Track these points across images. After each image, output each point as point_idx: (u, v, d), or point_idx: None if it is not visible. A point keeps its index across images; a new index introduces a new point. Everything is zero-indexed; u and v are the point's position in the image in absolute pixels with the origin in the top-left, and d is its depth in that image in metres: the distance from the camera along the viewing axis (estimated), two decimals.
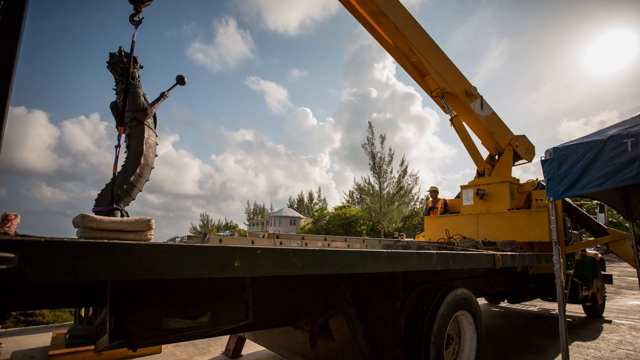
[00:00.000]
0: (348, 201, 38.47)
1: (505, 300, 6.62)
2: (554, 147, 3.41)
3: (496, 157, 6.51)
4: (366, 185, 29.84)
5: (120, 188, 4.03)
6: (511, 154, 6.32)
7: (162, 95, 4.53)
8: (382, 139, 29.01)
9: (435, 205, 7.09)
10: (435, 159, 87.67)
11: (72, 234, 1.99)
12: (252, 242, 3.15)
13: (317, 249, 1.80)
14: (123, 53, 4.33)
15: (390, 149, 28.90)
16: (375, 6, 5.25)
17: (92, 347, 3.81)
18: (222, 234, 28.91)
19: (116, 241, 1.30)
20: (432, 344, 2.63)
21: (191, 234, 3.20)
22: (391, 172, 28.78)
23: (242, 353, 4.17)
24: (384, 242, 4.47)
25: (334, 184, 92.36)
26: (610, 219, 11.20)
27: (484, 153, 6.54)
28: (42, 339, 4.67)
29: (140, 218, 2.03)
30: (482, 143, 6.57)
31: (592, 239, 6.14)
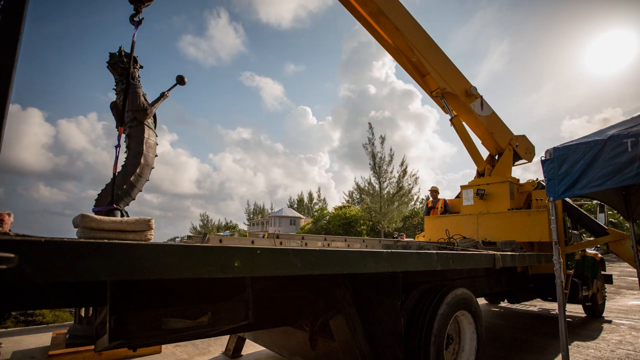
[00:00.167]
0: (348, 201, 38.48)
1: (505, 300, 6.61)
2: (554, 147, 3.41)
3: (496, 157, 6.51)
4: (366, 185, 29.87)
5: (120, 188, 4.03)
6: (511, 154, 6.32)
7: (162, 95, 4.53)
8: (383, 139, 29.07)
9: (435, 205, 7.09)
10: (435, 158, 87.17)
11: (71, 234, 1.99)
12: (252, 242, 3.15)
13: (317, 249, 1.80)
14: (123, 53, 4.33)
15: (390, 149, 28.95)
16: (375, 6, 5.25)
17: (92, 347, 3.81)
18: (222, 234, 28.91)
19: (116, 241, 1.30)
20: (432, 344, 2.63)
21: (191, 234, 3.20)
22: (391, 172, 28.82)
23: (242, 353, 4.17)
24: (384, 242, 4.47)
25: (334, 183, 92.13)
26: (610, 219, 11.20)
27: (484, 153, 6.54)
28: (42, 339, 4.67)
29: (140, 218, 2.03)
30: (482, 143, 6.57)
31: (592, 239, 6.14)
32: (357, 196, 32.81)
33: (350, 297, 2.60)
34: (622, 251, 5.41)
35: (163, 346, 4.29)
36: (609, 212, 9.15)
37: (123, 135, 3.99)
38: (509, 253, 3.84)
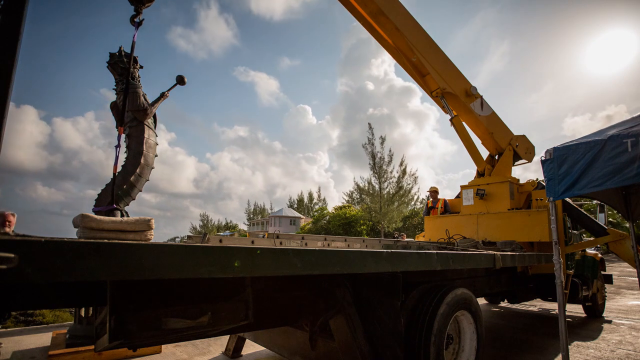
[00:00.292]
0: (348, 201, 38.48)
1: (505, 300, 6.61)
2: (554, 147, 3.41)
3: (496, 157, 6.50)
4: (366, 185, 29.88)
5: (120, 188, 4.03)
6: (511, 154, 6.32)
7: (162, 95, 4.53)
8: (383, 139, 29.07)
9: (435, 205, 7.09)
10: (435, 156, 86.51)
11: (70, 234, 1.99)
12: (252, 242, 3.15)
13: (317, 249, 1.80)
14: (123, 53, 4.33)
15: (390, 150, 28.96)
16: (375, 6, 5.25)
17: (92, 347, 3.81)
18: (222, 234, 28.91)
19: (116, 241, 1.30)
20: (432, 344, 2.63)
21: (191, 234, 3.20)
22: (391, 172, 28.82)
23: (242, 353, 4.17)
24: (384, 242, 4.47)
25: (333, 182, 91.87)
26: (610, 219, 11.20)
27: (484, 153, 6.54)
28: (42, 339, 4.67)
29: (140, 218, 2.03)
30: (482, 143, 6.57)
31: (592, 239, 6.14)
32: (357, 196, 32.82)
33: (350, 297, 2.60)
34: (622, 251, 5.41)
35: (163, 346, 4.29)
36: (609, 212, 9.15)
37: (123, 135, 3.99)
38: (509, 253, 3.84)
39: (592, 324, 6.16)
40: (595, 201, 6.85)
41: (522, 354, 4.44)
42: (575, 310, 7.16)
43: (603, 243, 5.78)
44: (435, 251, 2.71)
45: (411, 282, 2.91)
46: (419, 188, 30.36)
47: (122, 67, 4.27)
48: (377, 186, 28.95)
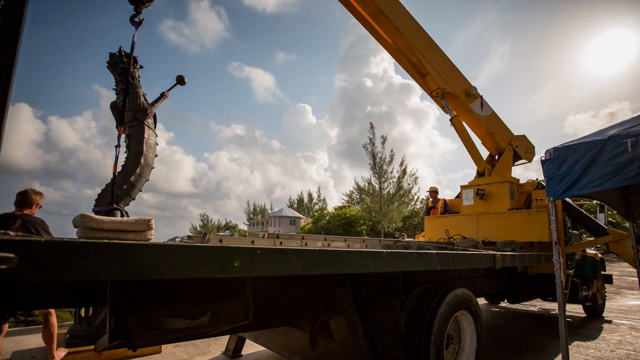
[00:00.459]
0: (348, 201, 38.47)
1: (505, 300, 6.61)
2: (554, 147, 3.41)
3: (496, 157, 6.50)
4: (366, 185, 29.88)
5: (120, 188, 4.03)
6: (511, 154, 6.32)
7: (162, 95, 4.53)
8: (384, 139, 29.07)
9: (435, 205, 7.09)
10: (435, 155, 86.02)
11: (70, 233, 1.99)
12: (252, 242, 3.15)
13: (317, 249, 1.80)
14: (123, 53, 4.33)
15: (391, 150, 28.96)
16: (375, 6, 5.25)
17: (92, 347, 3.81)
18: (222, 234, 28.91)
19: (116, 241, 1.30)
20: (432, 344, 2.63)
21: (191, 234, 3.20)
22: (391, 172, 28.82)
23: (242, 353, 4.17)
24: (384, 242, 4.47)
25: (332, 182, 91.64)
26: (610, 219, 11.20)
27: (484, 153, 6.54)
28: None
29: (141, 218, 2.03)
30: (482, 143, 6.57)
31: (592, 239, 6.14)
32: (357, 196, 32.82)
33: (350, 297, 2.60)
34: (622, 251, 5.41)
35: (163, 346, 4.29)
36: (609, 212, 9.16)
37: (123, 135, 3.99)
38: (509, 253, 3.84)
39: (592, 324, 6.15)
40: (595, 201, 6.85)
41: (522, 354, 4.44)
42: (575, 310, 7.16)
43: (603, 243, 5.78)
44: (435, 251, 2.70)
45: (411, 282, 2.90)
46: (419, 188, 30.40)
47: (122, 67, 4.27)
48: (377, 186, 28.96)
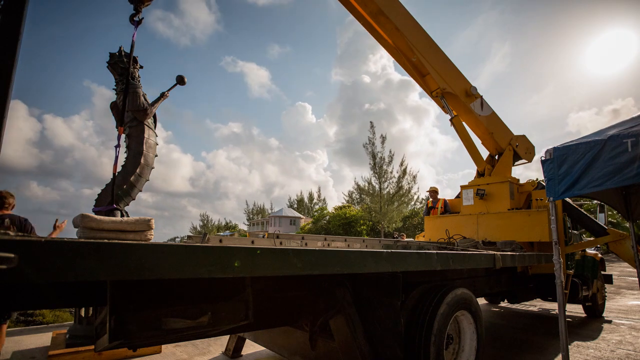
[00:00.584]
0: (348, 201, 38.48)
1: (505, 300, 6.61)
2: (554, 147, 3.41)
3: (496, 157, 6.50)
4: (366, 185, 29.88)
5: (120, 188, 4.03)
6: (511, 154, 6.32)
7: (162, 95, 4.54)
8: (383, 138, 29.05)
9: (435, 205, 7.10)
10: (435, 153, 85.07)
11: (70, 233, 1.99)
12: (252, 242, 3.15)
13: (317, 249, 1.80)
14: (123, 53, 4.33)
15: (390, 151, 28.95)
16: (375, 6, 5.25)
17: (92, 347, 3.81)
18: (222, 234, 28.91)
19: (116, 241, 1.30)
20: (432, 344, 2.63)
21: (191, 234, 3.20)
22: (391, 172, 28.81)
23: (242, 353, 4.17)
24: (384, 242, 4.47)
25: (332, 181, 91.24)
26: (610, 219, 11.19)
27: (484, 153, 6.54)
28: (42, 339, 4.67)
29: (141, 218, 2.03)
30: (482, 143, 6.57)
31: (592, 239, 6.14)
32: (357, 196, 32.83)
33: (350, 297, 2.60)
34: (622, 251, 5.41)
35: (163, 346, 4.29)
36: (609, 212, 9.15)
37: (123, 135, 3.99)
38: (509, 253, 3.84)
39: (592, 324, 6.15)
40: (595, 201, 6.85)
41: (522, 354, 4.44)
42: (575, 310, 7.16)
43: (603, 243, 5.78)
44: (435, 251, 2.70)
45: (411, 282, 2.90)
46: (418, 188, 30.40)
47: (122, 67, 4.27)
48: (377, 186, 28.95)
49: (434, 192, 7.28)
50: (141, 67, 4.51)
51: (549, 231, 4.85)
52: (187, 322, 1.85)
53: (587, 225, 5.99)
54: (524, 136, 6.53)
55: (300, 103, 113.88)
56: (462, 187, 6.49)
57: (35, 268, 1.06)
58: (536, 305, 7.99)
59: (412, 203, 31.33)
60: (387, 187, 28.75)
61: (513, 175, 6.26)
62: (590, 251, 6.65)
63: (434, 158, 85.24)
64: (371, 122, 29.67)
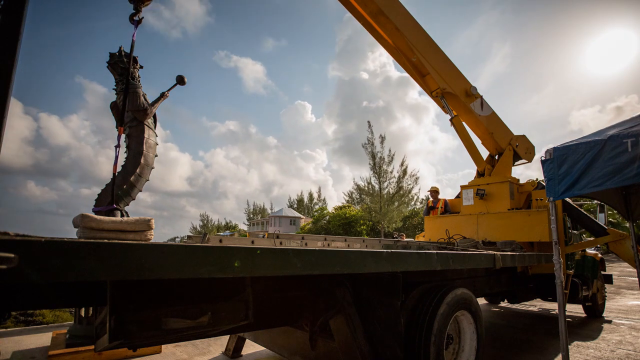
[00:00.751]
0: (348, 201, 38.48)
1: (505, 300, 6.61)
2: (554, 147, 3.41)
3: (496, 157, 6.51)
4: (366, 185, 29.87)
5: (120, 188, 4.03)
6: (511, 154, 6.32)
7: (162, 95, 4.54)
8: (382, 138, 29.06)
9: (436, 205, 7.10)
10: (435, 152, 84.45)
11: (70, 234, 1.99)
12: (252, 242, 3.15)
13: (317, 249, 1.80)
14: (123, 53, 4.33)
15: (390, 150, 28.94)
16: (375, 6, 5.25)
17: (92, 347, 3.81)
18: (222, 234, 28.91)
19: (116, 241, 1.30)
20: (432, 344, 2.63)
21: (191, 234, 3.20)
22: (391, 172, 28.80)
23: (242, 353, 4.17)
24: (384, 242, 4.47)
25: (331, 180, 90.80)
26: (610, 219, 11.20)
27: (484, 153, 6.54)
28: (42, 339, 4.67)
29: (141, 218, 2.03)
30: (482, 143, 6.57)
31: (592, 239, 6.14)
32: (357, 196, 32.82)
33: (350, 297, 2.60)
34: (622, 251, 5.41)
35: (163, 346, 4.29)
36: (609, 212, 9.16)
37: (123, 135, 3.99)
38: (509, 253, 3.84)
39: (592, 324, 6.15)
40: (595, 201, 6.85)
41: (522, 354, 4.44)
42: (575, 310, 7.16)
43: (603, 243, 5.78)
44: (435, 251, 2.70)
45: (411, 282, 2.90)
46: (419, 188, 30.41)
47: (122, 67, 4.27)
48: (377, 186, 28.95)
49: (434, 192, 7.28)
50: (141, 67, 4.51)
51: (549, 231, 4.85)
52: (187, 322, 1.85)
53: (587, 225, 5.99)
54: (524, 136, 6.54)
55: (299, 102, 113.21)
56: (462, 187, 6.49)
57: (35, 268, 1.06)
58: (536, 305, 7.99)
59: (412, 203, 31.34)
60: (387, 187, 28.76)
61: (513, 175, 6.27)
62: (590, 251, 6.65)
63: (434, 156, 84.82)
64: (369, 122, 29.67)
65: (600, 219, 6.25)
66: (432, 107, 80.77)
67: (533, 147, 6.61)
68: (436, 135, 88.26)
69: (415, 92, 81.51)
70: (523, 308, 7.67)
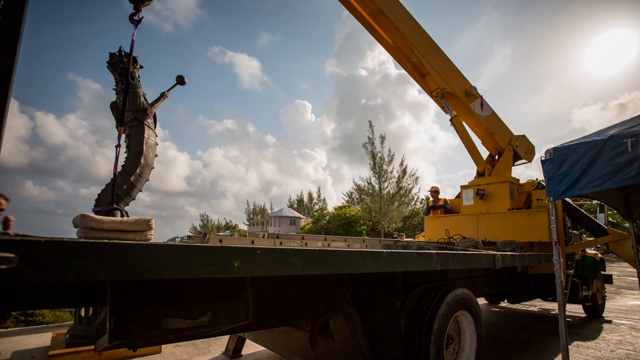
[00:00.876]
0: (348, 201, 38.48)
1: (505, 300, 6.61)
2: (554, 147, 3.41)
3: (496, 157, 6.51)
4: (366, 185, 29.86)
5: (120, 188, 4.03)
6: (511, 154, 6.32)
7: (162, 95, 4.54)
8: (382, 138, 29.05)
9: (436, 205, 7.10)
10: (436, 150, 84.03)
11: (69, 233, 1.99)
12: (252, 242, 3.15)
13: (317, 249, 1.80)
14: (123, 53, 4.33)
15: (390, 150, 28.94)
16: (375, 6, 5.25)
17: (92, 347, 3.81)
18: (222, 234, 28.91)
19: (116, 241, 1.30)
20: (432, 344, 2.63)
21: (191, 234, 3.20)
22: (391, 172, 28.80)
23: (242, 353, 4.17)
24: (384, 242, 4.46)
25: (331, 180, 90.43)
26: (610, 219, 11.20)
27: (484, 153, 6.54)
28: (42, 339, 4.67)
29: (140, 218, 2.03)
30: (482, 143, 6.57)
31: (592, 239, 6.14)
32: (357, 196, 32.82)
33: (350, 297, 2.60)
34: (622, 251, 5.41)
35: (163, 346, 4.29)
36: (609, 212, 9.15)
37: (123, 135, 3.99)
38: (509, 253, 3.84)
39: (592, 324, 6.15)
40: (595, 201, 6.85)
41: (522, 354, 4.44)
42: (575, 310, 7.16)
43: (603, 243, 5.78)
44: (435, 251, 2.70)
45: (411, 282, 2.90)
46: (419, 188, 30.40)
47: (122, 67, 4.27)
48: (377, 186, 28.95)
49: (435, 192, 7.28)
50: (141, 67, 4.51)
51: (549, 231, 4.84)
52: (187, 322, 1.85)
53: (587, 225, 5.98)
54: (524, 136, 6.54)
55: (299, 101, 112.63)
56: (462, 187, 6.49)
57: (35, 268, 1.06)
58: (536, 305, 7.99)
59: (412, 203, 31.33)
60: (387, 187, 28.75)
61: (513, 175, 6.27)
62: (590, 251, 6.65)
63: (434, 155, 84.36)
64: (370, 122, 29.67)
65: (600, 219, 6.25)
66: (431, 105, 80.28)
67: (533, 147, 6.61)
68: (436, 133, 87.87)
69: (414, 90, 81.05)
70: (523, 308, 7.67)
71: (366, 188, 29.76)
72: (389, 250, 2.21)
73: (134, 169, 4.15)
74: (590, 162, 3.10)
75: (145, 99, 4.32)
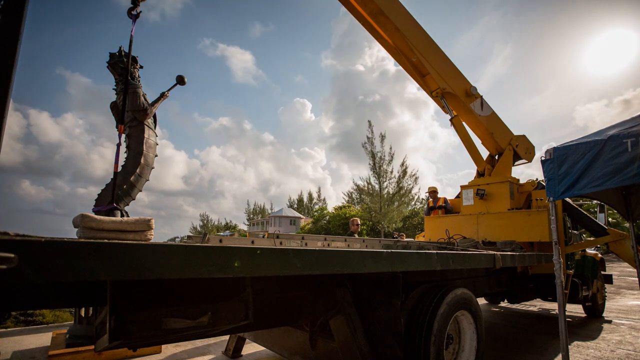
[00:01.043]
0: (347, 201, 38.48)
1: (505, 300, 6.61)
2: (554, 147, 3.41)
3: (496, 157, 6.51)
4: (366, 185, 29.85)
5: (120, 188, 4.03)
6: (511, 154, 6.32)
7: (162, 95, 4.54)
8: (382, 137, 29.03)
9: (436, 204, 7.10)
10: (436, 148, 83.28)
11: (69, 233, 1.99)
12: (252, 242, 3.15)
13: (317, 249, 1.80)
14: (123, 53, 4.33)
15: (390, 148, 28.91)
16: (375, 6, 5.25)
17: (92, 347, 3.81)
18: (222, 234, 28.91)
19: (116, 241, 1.30)
20: (432, 344, 2.63)
21: (191, 234, 3.20)
22: (391, 172, 28.78)
23: (242, 353, 4.17)
24: (384, 242, 4.46)
25: (330, 179, 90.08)
26: (610, 219, 11.20)
27: (484, 153, 6.54)
28: (42, 339, 4.67)
29: (141, 218, 2.03)
30: (482, 143, 6.57)
31: (592, 239, 6.14)
32: (357, 196, 32.82)
33: (350, 297, 2.60)
34: (622, 251, 5.41)
35: (163, 346, 4.29)
36: (609, 212, 9.16)
37: (123, 135, 4.00)
38: (509, 253, 3.84)
39: (592, 324, 6.16)
40: (595, 201, 6.85)
41: (522, 354, 4.44)
42: (575, 310, 7.16)
43: (603, 243, 5.78)
44: (435, 251, 2.70)
45: (411, 282, 2.90)
46: (419, 188, 30.37)
47: (122, 67, 4.28)
48: (377, 186, 28.94)
49: (433, 192, 7.28)
50: (141, 67, 4.51)
51: (549, 231, 4.84)
52: (187, 322, 1.85)
53: (587, 225, 5.98)
54: (524, 136, 6.54)
55: (298, 99, 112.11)
56: (462, 187, 6.49)
57: (35, 268, 1.06)
58: (536, 305, 7.99)
59: (412, 203, 31.32)
60: (386, 187, 28.73)
61: (513, 175, 6.27)
62: (590, 251, 6.65)
63: (434, 153, 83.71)
64: (369, 122, 29.65)
65: (600, 219, 6.25)
66: (431, 102, 79.31)
67: (533, 147, 6.61)
68: (436, 131, 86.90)
69: (413, 87, 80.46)
70: (523, 308, 7.67)
71: (366, 188, 29.76)
72: (389, 250, 2.21)
73: (134, 169, 4.15)
74: (590, 162, 3.10)
75: (145, 99, 4.33)
